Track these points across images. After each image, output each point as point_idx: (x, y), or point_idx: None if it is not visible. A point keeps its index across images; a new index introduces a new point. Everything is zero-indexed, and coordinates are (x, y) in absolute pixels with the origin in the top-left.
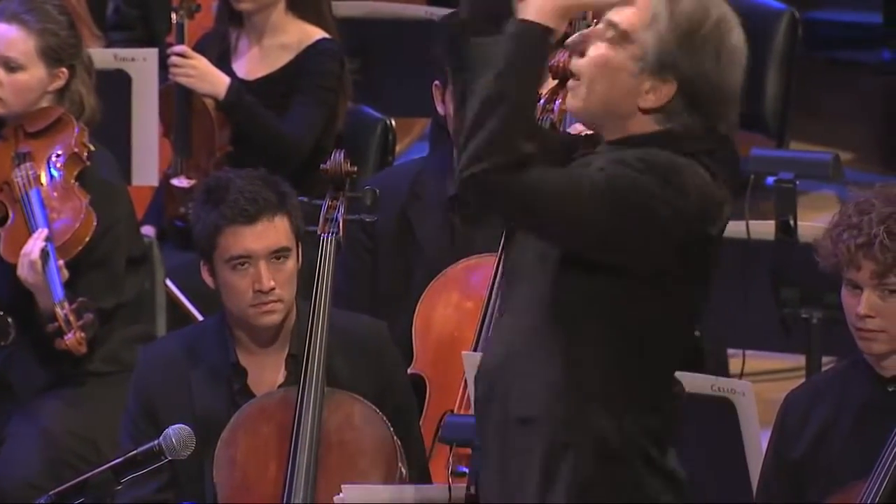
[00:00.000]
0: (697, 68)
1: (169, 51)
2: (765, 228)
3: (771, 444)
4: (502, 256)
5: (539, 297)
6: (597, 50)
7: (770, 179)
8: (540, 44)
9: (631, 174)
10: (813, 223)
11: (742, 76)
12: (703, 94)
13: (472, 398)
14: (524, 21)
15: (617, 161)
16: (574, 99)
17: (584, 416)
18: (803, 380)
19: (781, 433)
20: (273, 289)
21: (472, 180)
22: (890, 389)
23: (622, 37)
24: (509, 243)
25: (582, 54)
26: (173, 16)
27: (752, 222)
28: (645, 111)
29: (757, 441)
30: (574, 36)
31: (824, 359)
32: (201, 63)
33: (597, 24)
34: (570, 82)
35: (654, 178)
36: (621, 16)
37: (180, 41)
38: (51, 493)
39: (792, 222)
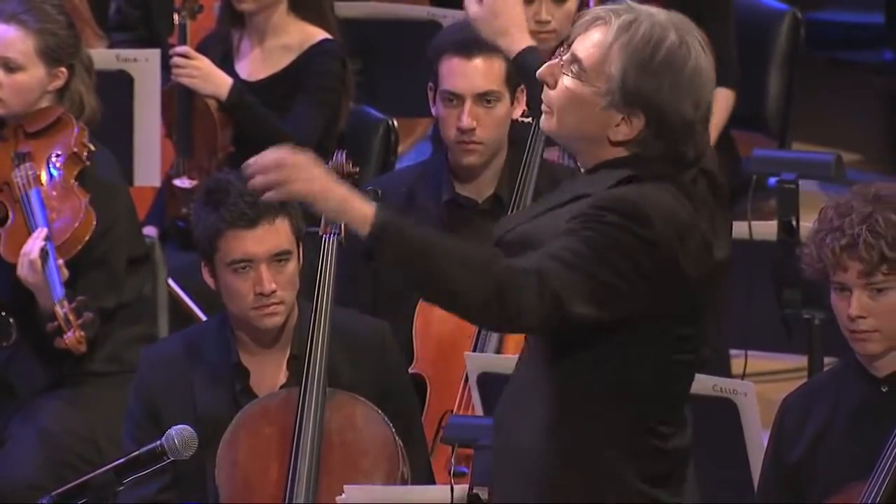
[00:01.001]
0: (662, 97)
1: (171, 51)
2: (767, 229)
3: (769, 448)
4: None
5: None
6: (565, 83)
7: (772, 180)
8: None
9: (591, 228)
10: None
11: (704, 105)
12: (669, 121)
13: (473, 398)
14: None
15: (576, 222)
16: (547, 124)
17: (577, 457)
18: (805, 380)
19: (779, 436)
20: (274, 291)
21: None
22: (884, 389)
23: (585, 72)
24: None
25: (551, 86)
26: (175, 16)
27: (754, 223)
28: (615, 143)
29: (759, 441)
30: (542, 68)
31: (826, 359)
32: (204, 64)
33: (563, 54)
34: (543, 108)
35: (615, 217)
36: (584, 50)
37: (183, 42)
38: (52, 493)
39: (794, 223)
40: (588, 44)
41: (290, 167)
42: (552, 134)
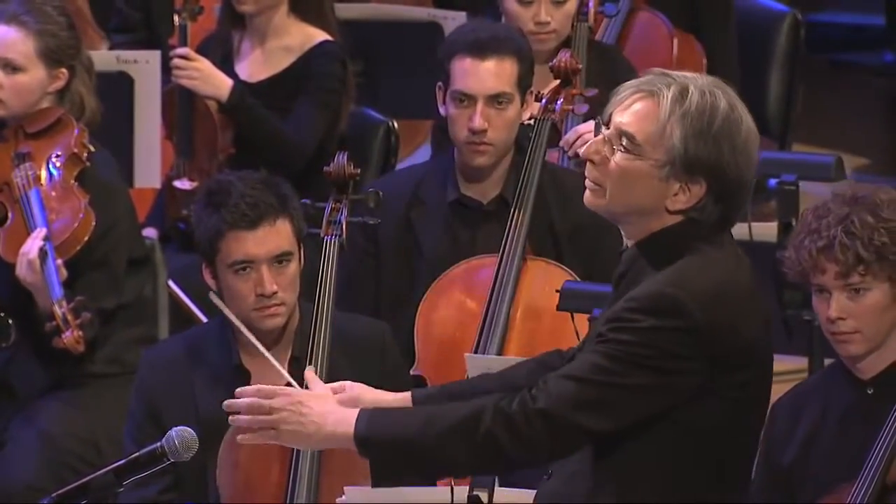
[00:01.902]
0: (721, 162)
1: (172, 53)
2: (767, 230)
3: (761, 451)
4: (503, 259)
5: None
6: (615, 160)
7: (772, 181)
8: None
9: (627, 333)
10: None
11: (755, 168)
12: (729, 186)
13: None
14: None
15: (611, 327)
16: (594, 199)
17: None
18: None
19: (771, 440)
20: (275, 292)
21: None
22: (869, 391)
23: (640, 146)
24: None
25: (598, 163)
26: (176, 18)
27: (754, 224)
28: (673, 212)
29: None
30: (587, 147)
31: (826, 360)
32: (204, 65)
33: (606, 128)
34: (589, 184)
35: (651, 320)
36: (634, 126)
37: (183, 43)
38: (52, 495)
39: (794, 224)
40: (635, 117)
41: (275, 413)
42: (600, 209)
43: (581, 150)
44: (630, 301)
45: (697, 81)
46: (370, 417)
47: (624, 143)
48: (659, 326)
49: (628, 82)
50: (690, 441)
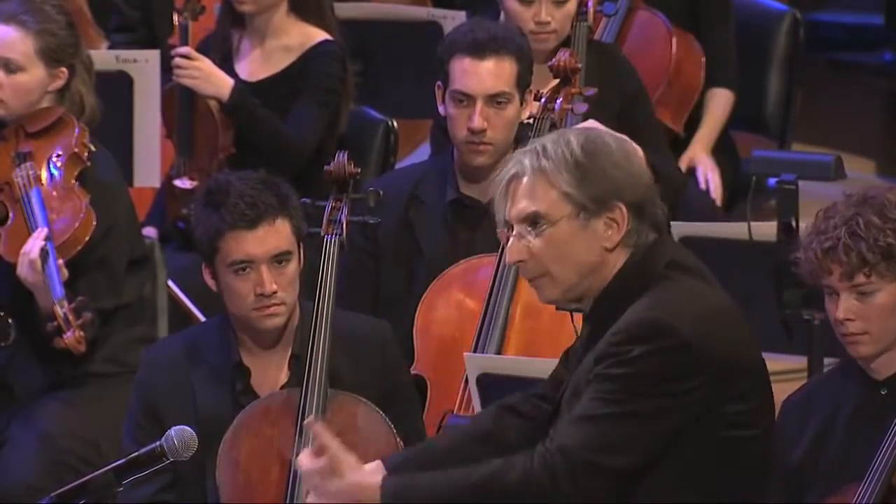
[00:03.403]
0: (615, 179)
1: (173, 52)
2: (767, 230)
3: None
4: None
5: None
6: (538, 243)
7: (772, 181)
8: None
9: (621, 367)
10: None
11: (644, 167)
12: (640, 197)
13: (473, 399)
14: None
15: (602, 366)
16: (548, 290)
17: None
18: (805, 381)
19: (779, 439)
20: (275, 292)
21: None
22: (883, 392)
23: (546, 216)
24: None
25: (528, 259)
26: (176, 17)
27: (753, 224)
28: (613, 248)
29: None
30: (510, 259)
31: (826, 360)
32: (205, 64)
33: (511, 232)
34: (535, 283)
35: (641, 347)
36: (527, 207)
37: (184, 42)
38: (52, 494)
39: (794, 224)
40: (522, 200)
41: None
42: (562, 296)
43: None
44: (614, 335)
45: (545, 138)
46: (395, 476)
47: (531, 228)
48: (650, 351)
49: (494, 179)
50: (705, 457)
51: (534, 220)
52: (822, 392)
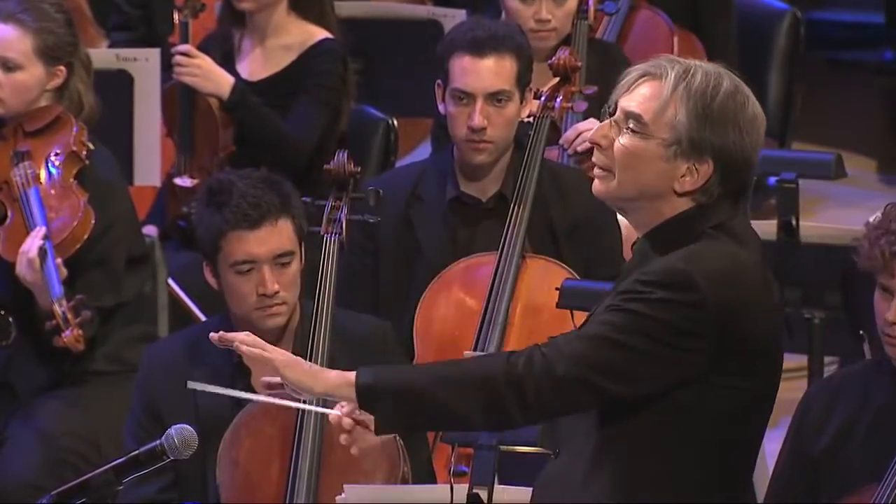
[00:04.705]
0: (727, 141)
1: (173, 50)
2: (767, 228)
3: (788, 440)
4: (502, 257)
5: (583, 428)
6: (623, 142)
7: (772, 179)
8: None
9: (637, 303)
10: (815, 223)
11: (760, 146)
12: (735, 166)
13: None
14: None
15: (621, 297)
16: (603, 186)
17: None
18: (805, 380)
19: (800, 429)
20: (277, 292)
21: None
22: None
23: (647, 125)
24: None
25: (605, 146)
26: (176, 16)
27: (753, 222)
28: (682, 194)
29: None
30: (594, 132)
31: (826, 359)
32: (206, 62)
33: (612, 114)
34: (597, 172)
35: (662, 293)
36: (640, 106)
37: (185, 40)
38: (52, 493)
39: (794, 222)
40: (641, 98)
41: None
42: (609, 196)
43: (588, 136)
44: (643, 275)
45: (702, 64)
46: (374, 370)
47: (631, 125)
48: (669, 299)
49: (633, 67)
50: (691, 427)
51: (636, 121)
52: (848, 387)
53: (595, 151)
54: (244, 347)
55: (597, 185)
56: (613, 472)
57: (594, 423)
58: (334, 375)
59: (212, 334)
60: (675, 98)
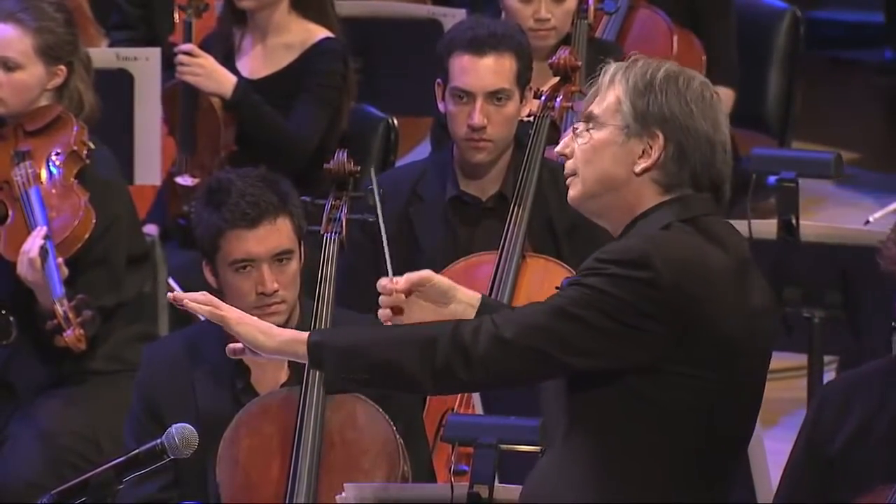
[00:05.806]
0: (671, 109)
1: (176, 49)
2: (767, 227)
3: (802, 436)
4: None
5: (561, 422)
6: (581, 141)
7: (772, 179)
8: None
9: (593, 277)
10: (815, 223)
11: (722, 129)
12: (689, 141)
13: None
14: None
15: (580, 274)
16: (573, 191)
17: None
18: (805, 379)
19: (816, 426)
20: (276, 291)
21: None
22: None
23: (598, 119)
24: None
25: (570, 155)
26: (177, 15)
27: (753, 221)
28: (640, 173)
29: (759, 440)
30: (558, 147)
31: (826, 358)
32: (208, 62)
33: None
34: (569, 181)
35: (617, 269)
36: (589, 104)
37: (188, 40)
38: (52, 492)
39: (794, 221)
40: (590, 98)
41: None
42: (579, 198)
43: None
44: (602, 253)
45: (652, 60)
46: (326, 330)
47: (588, 125)
48: (624, 275)
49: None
50: (656, 418)
51: (588, 119)
52: (865, 385)
53: (566, 163)
54: (194, 304)
55: (570, 194)
56: (584, 465)
57: (564, 415)
58: (288, 333)
59: (168, 294)
60: (615, 83)
